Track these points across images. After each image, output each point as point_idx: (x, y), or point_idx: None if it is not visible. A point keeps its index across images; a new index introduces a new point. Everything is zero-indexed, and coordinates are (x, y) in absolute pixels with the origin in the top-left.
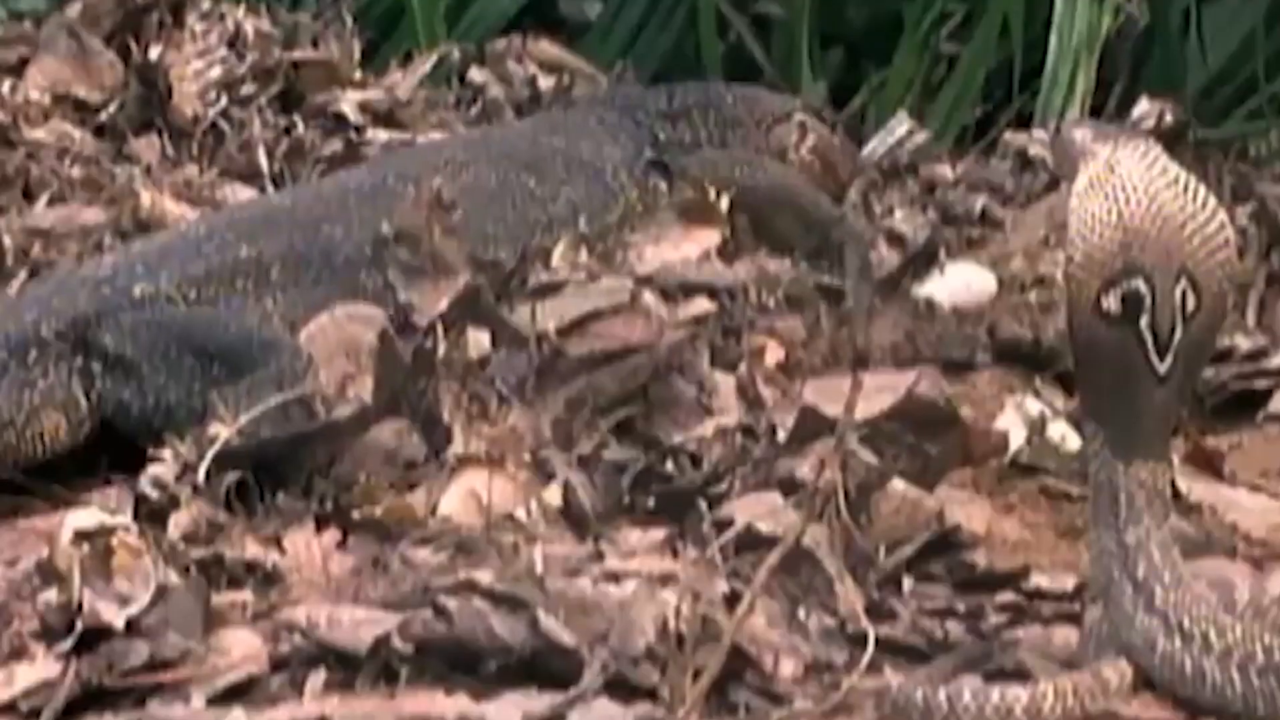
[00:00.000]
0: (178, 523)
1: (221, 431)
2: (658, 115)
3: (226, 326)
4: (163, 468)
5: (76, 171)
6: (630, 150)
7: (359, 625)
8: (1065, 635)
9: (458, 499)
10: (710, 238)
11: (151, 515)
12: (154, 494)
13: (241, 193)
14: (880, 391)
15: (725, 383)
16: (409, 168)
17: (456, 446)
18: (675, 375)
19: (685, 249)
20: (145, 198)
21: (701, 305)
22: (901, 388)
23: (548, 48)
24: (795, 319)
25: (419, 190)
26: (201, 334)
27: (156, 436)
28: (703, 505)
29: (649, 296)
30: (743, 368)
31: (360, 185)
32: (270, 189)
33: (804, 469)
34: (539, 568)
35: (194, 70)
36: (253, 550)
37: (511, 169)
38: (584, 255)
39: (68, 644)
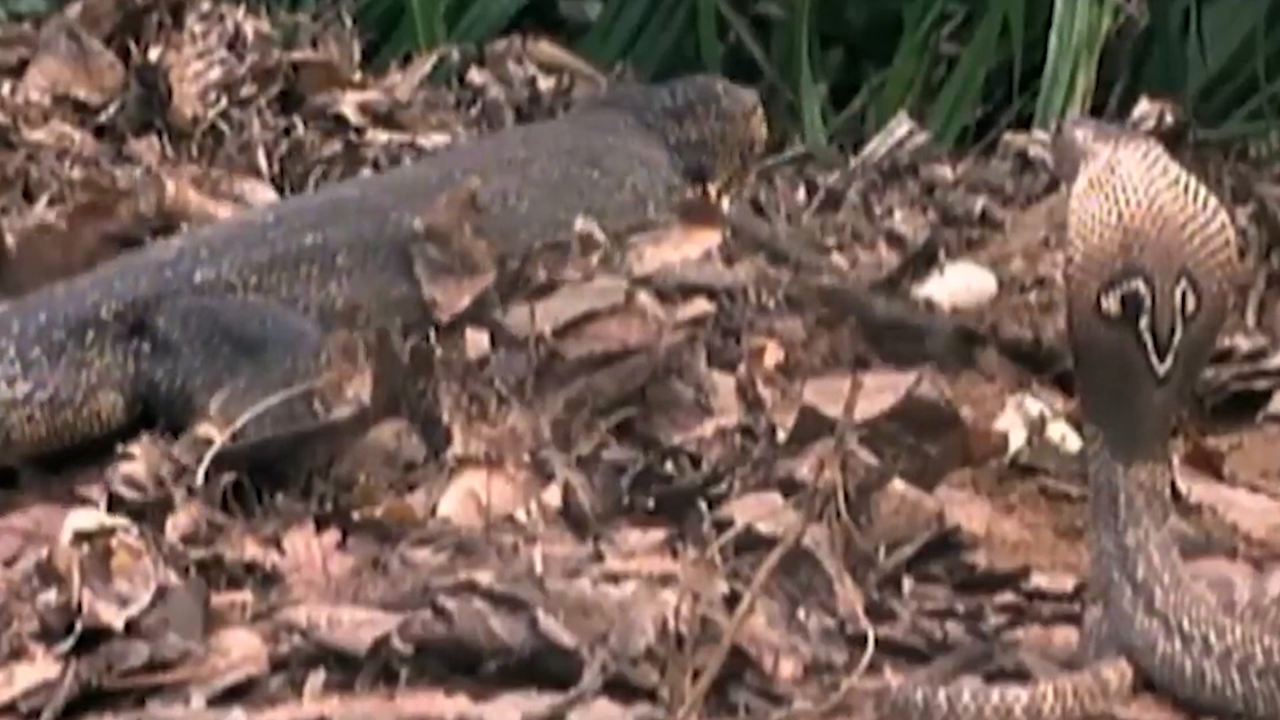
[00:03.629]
0: (176, 524)
1: (214, 433)
2: (664, 114)
3: (261, 318)
4: (135, 465)
5: (76, 173)
6: (659, 151)
7: (359, 626)
8: (1065, 636)
9: (457, 500)
10: (711, 239)
11: (131, 514)
12: (129, 493)
13: (256, 188)
14: (880, 391)
15: (725, 383)
16: (473, 162)
17: (456, 447)
18: (674, 377)
19: (686, 250)
20: (170, 188)
21: (701, 306)
22: (901, 388)
23: (548, 48)
24: (795, 320)
25: (462, 187)
26: (238, 324)
27: (179, 419)
28: (703, 505)
29: (644, 297)
30: (742, 368)
31: (427, 177)
32: (271, 190)
33: (804, 469)
34: (539, 568)
35: (194, 71)
36: (252, 551)
37: (574, 162)
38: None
39: (67, 644)
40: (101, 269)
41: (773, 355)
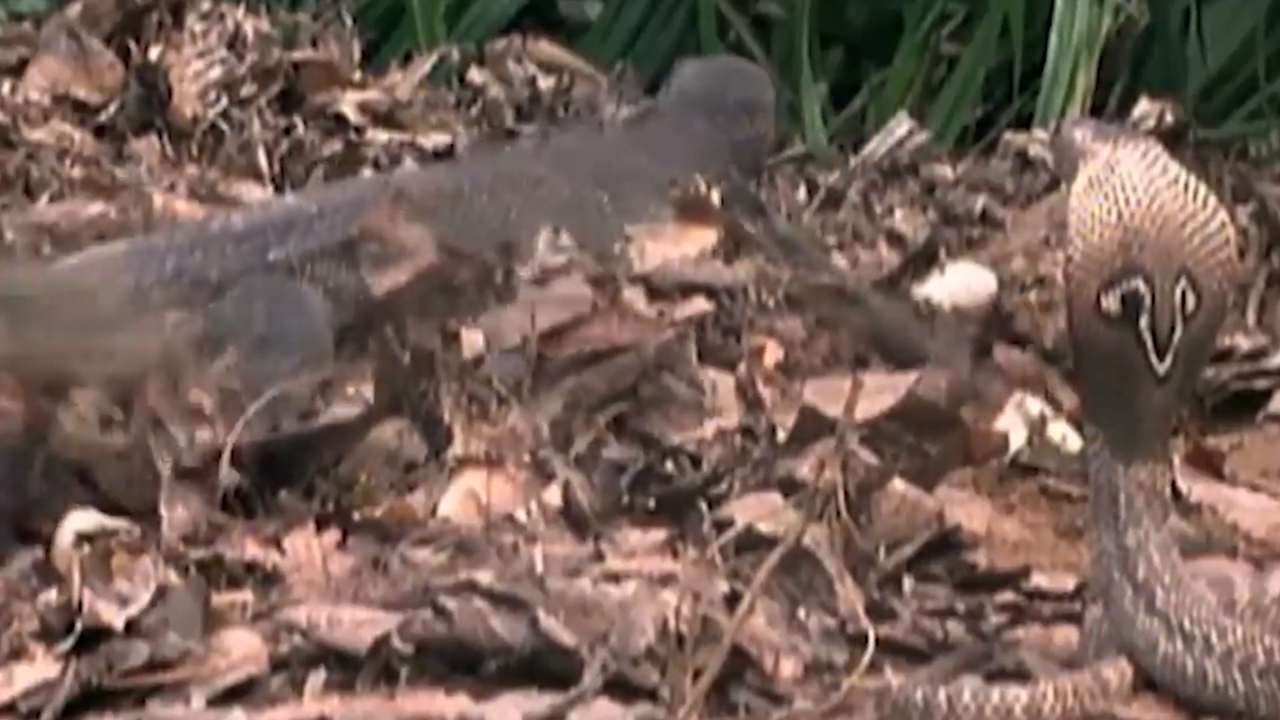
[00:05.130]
0: (176, 523)
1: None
2: (727, 111)
3: (298, 308)
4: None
5: (77, 172)
6: (716, 149)
7: (359, 625)
8: (1065, 635)
9: (457, 499)
10: (707, 237)
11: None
12: None
13: (252, 191)
14: (880, 392)
15: (724, 383)
16: (512, 165)
17: (456, 447)
18: (667, 375)
19: (684, 247)
20: (158, 201)
21: (699, 305)
22: (902, 388)
23: (547, 48)
24: (795, 319)
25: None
26: (278, 312)
27: None
28: (703, 505)
29: (629, 294)
30: (742, 368)
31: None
32: (267, 194)
33: (804, 469)
34: (539, 568)
35: (194, 71)
36: (253, 550)
37: (601, 180)
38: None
39: (68, 644)
40: (175, 235)
41: (773, 355)
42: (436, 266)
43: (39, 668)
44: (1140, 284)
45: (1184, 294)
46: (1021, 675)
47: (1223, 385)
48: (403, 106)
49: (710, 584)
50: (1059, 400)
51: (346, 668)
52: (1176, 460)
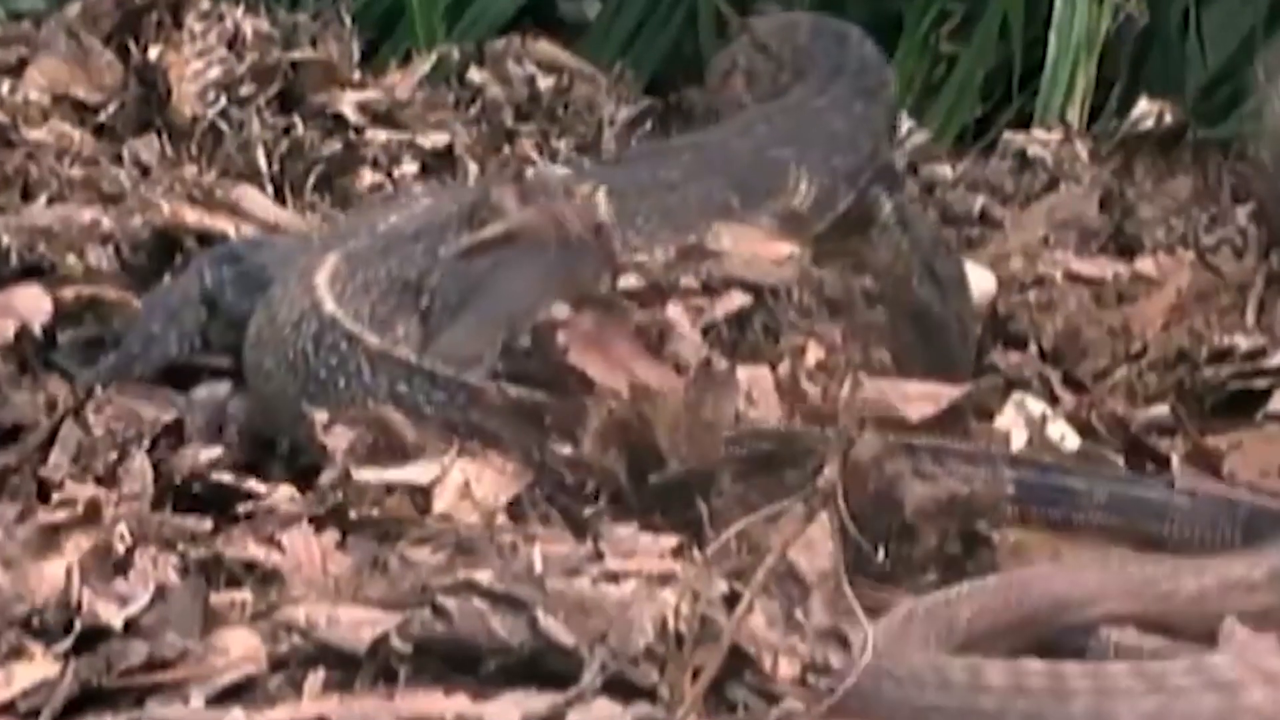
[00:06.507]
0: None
1: None
2: (880, 69)
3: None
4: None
5: (76, 172)
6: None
7: (358, 625)
8: None
9: (457, 498)
10: (789, 249)
11: None
12: None
13: (250, 193)
14: (923, 399)
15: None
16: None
17: (457, 444)
18: None
19: (761, 250)
20: (165, 209)
21: (739, 300)
22: (944, 399)
23: (547, 48)
24: (836, 322)
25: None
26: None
27: None
28: (702, 505)
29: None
30: (783, 367)
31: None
32: (266, 197)
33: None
34: (538, 567)
35: (193, 70)
36: (252, 550)
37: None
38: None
39: (67, 644)
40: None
41: (813, 354)
42: (521, 225)
43: (38, 667)
44: None
45: None
46: None
47: (1222, 384)
48: (402, 106)
49: (709, 584)
50: (1059, 400)
51: (345, 667)
52: (1176, 460)
